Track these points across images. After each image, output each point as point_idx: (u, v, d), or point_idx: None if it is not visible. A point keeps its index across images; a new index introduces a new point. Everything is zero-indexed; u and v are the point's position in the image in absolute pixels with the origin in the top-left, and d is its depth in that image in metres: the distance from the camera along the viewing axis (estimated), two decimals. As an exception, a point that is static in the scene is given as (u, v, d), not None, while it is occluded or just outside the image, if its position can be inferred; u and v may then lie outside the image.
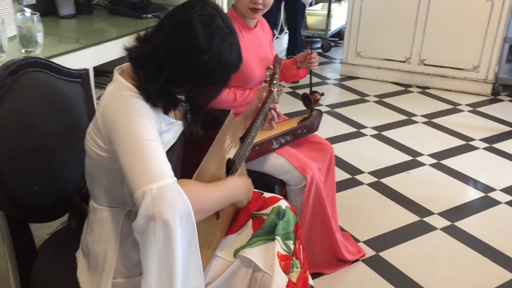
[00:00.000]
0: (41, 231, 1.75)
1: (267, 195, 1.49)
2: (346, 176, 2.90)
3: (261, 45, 2.10)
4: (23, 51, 1.62)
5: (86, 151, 1.28)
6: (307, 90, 2.14)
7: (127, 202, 1.28)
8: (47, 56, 1.60)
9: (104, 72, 2.19)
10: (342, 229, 2.34)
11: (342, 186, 2.77)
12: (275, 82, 1.78)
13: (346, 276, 2.12)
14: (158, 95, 1.18)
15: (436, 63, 4.29)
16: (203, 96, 1.23)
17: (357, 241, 2.33)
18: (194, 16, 1.14)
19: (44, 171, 1.44)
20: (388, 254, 2.26)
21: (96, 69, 1.94)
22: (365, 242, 2.33)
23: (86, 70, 1.60)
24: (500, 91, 4.23)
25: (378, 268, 2.16)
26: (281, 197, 1.48)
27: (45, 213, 1.48)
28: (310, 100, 2.11)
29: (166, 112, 1.25)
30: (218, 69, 1.16)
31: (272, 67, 1.81)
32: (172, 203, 1.06)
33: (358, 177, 2.90)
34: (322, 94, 2.14)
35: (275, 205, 1.43)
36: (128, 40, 1.24)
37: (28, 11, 1.61)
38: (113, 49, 1.88)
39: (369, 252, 2.26)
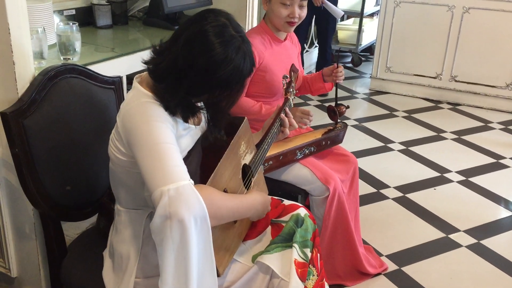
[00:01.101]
0: (72, 231, 1.83)
1: (286, 202, 1.52)
2: (371, 190, 2.89)
3: (290, 57, 2.14)
4: (61, 58, 1.71)
5: (110, 156, 1.34)
6: (332, 103, 2.17)
7: (149, 204, 1.33)
8: (84, 63, 1.69)
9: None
10: (365, 242, 2.34)
11: (367, 199, 2.77)
12: (291, 90, 1.82)
13: (367, 289, 2.12)
14: (178, 106, 1.24)
15: (467, 79, 4.24)
16: (222, 101, 1.27)
17: (380, 255, 2.33)
18: (207, 28, 1.18)
19: (76, 172, 1.52)
20: (411, 269, 2.24)
21: (129, 77, 2.02)
22: (388, 256, 2.33)
23: (120, 78, 1.68)
24: (533, 110, 4.14)
25: (400, 283, 2.15)
26: (301, 204, 1.51)
27: (76, 212, 1.56)
28: (335, 112, 2.13)
29: (185, 120, 1.30)
30: (234, 77, 1.21)
31: (288, 76, 1.85)
32: (188, 203, 1.10)
33: (383, 191, 2.89)
34: (348, 107, 2.16)
35: (294, 212, 1.45)
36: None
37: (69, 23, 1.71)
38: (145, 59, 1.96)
39: (391, 266, 2.25)
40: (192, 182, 1.15)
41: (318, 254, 1.43)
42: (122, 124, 1.24)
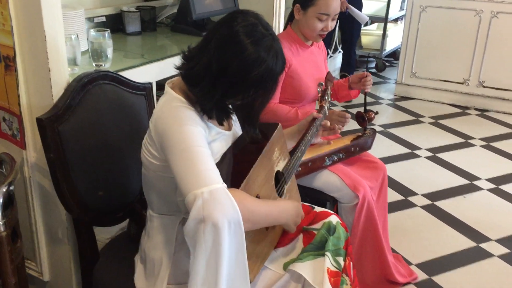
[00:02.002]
0: (102, 235, 1.84)
1: (318, 209, 1.50)
2: (399, 197, 2.85)
3: (317, 62, 2.13)
4: (94, 64, 1.73)
5: (142, 161, 1.35)
6: (360, 109, 2.14)
7: (181, 209, 1.33)
8: (115, 70, 1.70)
9: (163, 86, 2.29)
10: (393, 251, 2.30)
11: (394, 207, 2.72)
12: (326, 98, 1.81)
13: (397, 298, 2.08)
14: (213, 109, 1.24)
15: (496, 85, 4.15)
16: (256, 100, 1.27)
17: (409, 263, 2.29)
18: (238, 29, 1.18)
19: (109, 177, 1.53)
20: (442, 279, 2.19)
21: (158, 83, 2.03)
22: (418, 265, 2.28)
23: (150, 84, 1.69)
24: None
25: (430, 293, 2.11)
26: (332, 212, 1.49)
27: (108, 217, 1.57)
28: (364, 119, 2.11)
29: (220, 122, 1.30)
30: (268, 76, 1.20)
31: (323, 83, 1.84)
32: (222, 206, 1.10)
33: (411, 198, 2.84)
34: (376, 113, 2.14)
35: (326, 220, 1.43)
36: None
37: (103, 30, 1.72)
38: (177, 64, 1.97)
39: (421, 275, 2.21)
40: (225, 185, 1.15)
41: (351, 263, 1.41)
42: (155, 128, 1.25)
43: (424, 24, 4.29)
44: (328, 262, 1.33)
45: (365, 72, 2.05)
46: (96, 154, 1.49)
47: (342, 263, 1.35)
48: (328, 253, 1.34)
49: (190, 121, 1.21)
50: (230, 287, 1.16)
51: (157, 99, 1.92)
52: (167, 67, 1.93)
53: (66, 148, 1.40)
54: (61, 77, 1.44)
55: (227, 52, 1.18)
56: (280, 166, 1.45)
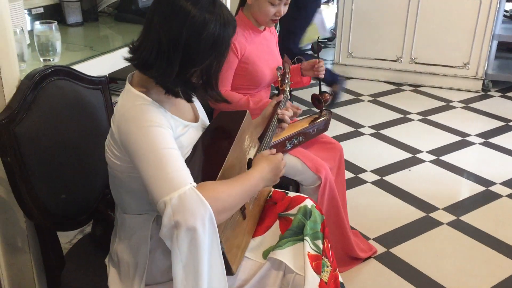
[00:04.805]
0: (61, 240, 1.74)
1: (291, 194, 1.51)
2: (350, 175, 2.93)
3: (270, 47, 2.13)
4: (41, 59, 1.61)
5: (108, 163, 1.30)
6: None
7: (154, 208, 1.29)
8: (65, 64, 1.60)
9: (112, 79, 2.19)
10: (351, 228, 2.37)
11: (347, 185, 2.77)
12: (286, 81, 1.81)
13: (360, 273, 2.15)
14: (177, 85, 1.20)
15: (427, 61, 4.36)
16: (213, 62, 1.22)
17: (367, 238, 2.37)
18: None
19: (70, 179, 1.44)
20: (399, 250, 2.30)
21: (110, 76, 1.94)
22: (375, 239, 2.37)
23: (105, 77, 1.61)
24: (490, 87, 4.32)
25: (390, 265, 2.20)
26: (306, 196, 1.50)
27: (71, 221, 1.49)
28: (319, 101, 2.14)
29: (189, 100, 1.26)
30: (219, 33, 1.17)
31: (282, 67, 1.84)
32: (193, 209, 1.09)
33: (361, 175, 2.94)
34: (331, 94, 2.18)
35: (301, 204, 1.44)
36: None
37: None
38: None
39: (380, 249, 2.30)
40: (194, 184, 1.13)
41: (329, 245, 1.43)
42: (118, 130, 1.20)
43: (357, 5, 4.40)
44: (307, 246, 1.34)
45: (317, 60, 2.07)
46: (56, 155, 1.39)
47: (321, 246, 1.37)
48: (307, 238, 1.36)
49: (155, 121, 1.17)
50: (209, 284, 1.15)
51: (110, 93, 1.83)
52: (118, 59, 1.84)
53: (23, 150, 1.30)
54: (13, 75, 1.32)
55: (172, 22, 1.15)
56: (251, 153, 1.44)
